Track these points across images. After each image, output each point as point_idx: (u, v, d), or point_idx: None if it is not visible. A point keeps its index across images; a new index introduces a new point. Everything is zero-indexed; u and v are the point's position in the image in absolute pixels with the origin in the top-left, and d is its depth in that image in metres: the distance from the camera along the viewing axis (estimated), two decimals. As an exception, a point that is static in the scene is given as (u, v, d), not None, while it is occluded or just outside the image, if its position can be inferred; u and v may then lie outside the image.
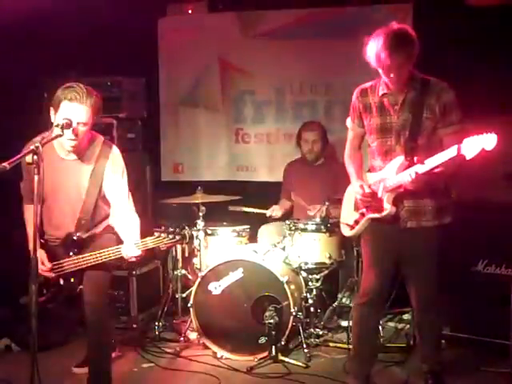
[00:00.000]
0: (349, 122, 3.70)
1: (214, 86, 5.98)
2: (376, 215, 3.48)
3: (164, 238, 3.28)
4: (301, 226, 4.61)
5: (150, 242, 3.29)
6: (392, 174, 3.40)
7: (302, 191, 5.15)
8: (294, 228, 4.63)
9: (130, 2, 5.43)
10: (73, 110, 3.29)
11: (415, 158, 3.30)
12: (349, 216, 3.69)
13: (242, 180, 5.96)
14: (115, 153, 3.54)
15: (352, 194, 3.65)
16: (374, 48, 3.26)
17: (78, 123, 3.31)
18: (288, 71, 5.73)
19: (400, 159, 3.38)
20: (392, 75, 3.30)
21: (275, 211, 5.23)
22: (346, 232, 3.74)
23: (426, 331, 3.65)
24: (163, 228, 3.31)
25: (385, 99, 3.43)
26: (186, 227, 4.00)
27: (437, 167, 3.19)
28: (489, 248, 4.20)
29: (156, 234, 3.28)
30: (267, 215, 5.22)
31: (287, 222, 4.72)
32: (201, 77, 5.99)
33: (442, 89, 3.36)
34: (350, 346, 4.20)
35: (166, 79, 6.07)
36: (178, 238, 3.30)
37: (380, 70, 3.34)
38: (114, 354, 4.15)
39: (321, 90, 5.69)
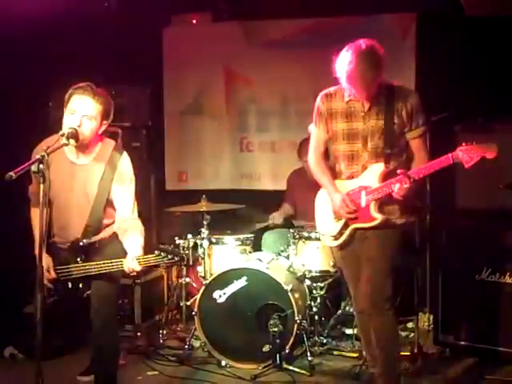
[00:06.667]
0: (312, 127, 3.66)
1: (218, 95, 6.01)
2: (363, 225, 3.45)
3: (164, 257, 3.31)
4: (305, 234, 4.63)
5: (152, 259, 3.32)
6: (374, 182, 3.40)
7: (304, 200, 5.15)
8: (298, 236, 4.65)
9: (135, 11, 5.48)
10: (80, 102, 3.33)
11: (398, 170, 3.29)
12: (329, 227, 3.61)
13: (245, 188, 5.98)
14: (125, 160, 3.51)
15: (326, 203, 3.61)
16: (342, 62, 3.28)
17: (83, 116, 3.32)
18: (292, 80, 5.75)
19: (380, 166, 3.39)
20: (360, 88, 3.31)
21: (275, 219, 5.25)
22: (330, 243, 3.65)
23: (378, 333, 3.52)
24: (165, 246, 3.34)
25: (351, 105, 3.45)
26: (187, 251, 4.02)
27: (426, 175, 3.28)
28: (493, 256, 4.20)
29: (156, 252, 3.31)
30: (269, 225, 5.25)
31: (291, 230, 4.73)
32: (205, 86, 6.03)
33: (408, 93, 3.43)
34: (354, 355, 4.27)
35: (170, 88, 6.10)
36: (177, 258, 3.34)
37: (348, 83, 3.33)
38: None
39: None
